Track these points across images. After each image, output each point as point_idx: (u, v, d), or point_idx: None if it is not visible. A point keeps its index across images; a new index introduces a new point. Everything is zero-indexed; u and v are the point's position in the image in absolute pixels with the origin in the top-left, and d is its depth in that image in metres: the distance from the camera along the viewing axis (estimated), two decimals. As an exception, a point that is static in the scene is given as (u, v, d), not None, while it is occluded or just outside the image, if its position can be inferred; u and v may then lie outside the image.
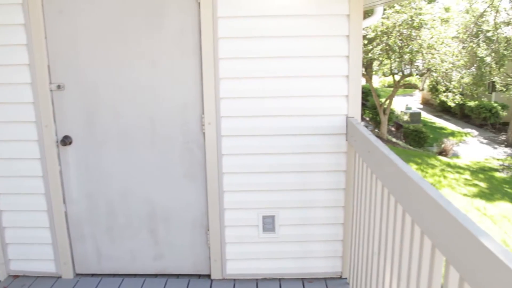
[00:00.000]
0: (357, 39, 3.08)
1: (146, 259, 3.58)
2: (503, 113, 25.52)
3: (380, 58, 18.70)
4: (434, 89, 24.37)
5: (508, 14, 22.41)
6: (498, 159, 20.46)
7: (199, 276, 3.61)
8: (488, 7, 22.21)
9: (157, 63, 3.17)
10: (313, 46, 3.11)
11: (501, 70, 22.81)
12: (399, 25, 17.16)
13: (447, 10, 23.16)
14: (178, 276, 3.61)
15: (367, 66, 20.34)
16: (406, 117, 24.93)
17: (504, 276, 1.15)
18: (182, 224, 3.49)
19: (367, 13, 4.32)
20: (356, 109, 3.20)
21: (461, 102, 22.53)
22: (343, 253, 3.48)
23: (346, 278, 3.52)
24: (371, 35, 17.17)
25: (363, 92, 26.38)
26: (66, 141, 3.30)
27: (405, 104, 28.18)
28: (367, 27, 16.65)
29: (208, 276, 3.58)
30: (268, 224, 3.43)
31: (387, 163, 2.17)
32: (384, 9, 16.96)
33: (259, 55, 3.12)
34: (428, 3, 20.38)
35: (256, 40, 3.11)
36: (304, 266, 3.53)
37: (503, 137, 24.21)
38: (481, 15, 22.49)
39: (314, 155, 3.30)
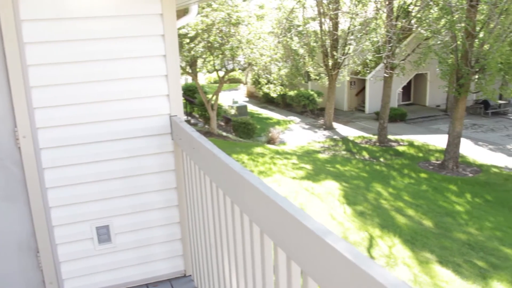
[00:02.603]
0: (172, 38, 3.09)
1: (-34, 296, 3.19)
2: (319, 100, 27.99)
3: (204, 56, 19.07)
4: (257, 82, 25.74)
5: (313, 10, 24.55)
6: (319, 142, 22.38)
7: (33, 303, 3.32)
8: (297, 3, 24.06)
9: (-47, 75, 2.81)
10: (129, 47, 3.05)
11: (313, 60, 24.95)
12: (218, 23, 17.67)
13: (261, 7, 24.54)
14: (8, 307, 3.28)
15: (192, 64, 20.59)
16: (233, 111, 25.86)
17: (323, 251, 1.25)
18: (6, 251, 3.16)
19: (185, 12, 4.35)
20: (178, 108, 3.22)
21: (282, 92, 24.10)
22: (184, 251, 3.50)
23: (190, 275, 3.54)
24: (192, 33, 17.40)
25: (190, 90, 26.69)
26: None
27: (231, 99, 29.22)
28: (186, 25, 16.82)
29: (44, 301, 3.32)
30: (103, 234, 3.29)
31: (211, 158, 2.23)
32: (203, 8, 17.30)
33: (74, 59, 2.95)
34: (244, 0, 21.35)
35: (68, 43, 2.93)
36: (147, 271, 3.47)
37: (321, 121, 26.54)
38: (291, 11, 24.28)
39: (142, 157, 3.24)
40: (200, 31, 17.58)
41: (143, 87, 3.14)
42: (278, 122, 26.42)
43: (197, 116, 25.52)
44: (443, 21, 17.72)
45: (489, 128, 25.31)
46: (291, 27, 24.04)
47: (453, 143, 17.99)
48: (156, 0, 3.01)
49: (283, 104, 30.34)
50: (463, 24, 16.44)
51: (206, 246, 2.71)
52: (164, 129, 3.23)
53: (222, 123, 24.94)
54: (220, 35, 17.94)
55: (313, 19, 24.72)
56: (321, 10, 23.50)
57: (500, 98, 27.18)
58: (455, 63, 17.25)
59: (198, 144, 2.46)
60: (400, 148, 21.27)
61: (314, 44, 24.58)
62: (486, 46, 16.41)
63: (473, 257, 9.66)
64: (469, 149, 20.90)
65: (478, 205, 14.12)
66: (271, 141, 21.60)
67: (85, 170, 3.14)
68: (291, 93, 28.37)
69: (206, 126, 22.89)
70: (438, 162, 19.00)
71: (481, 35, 16.63)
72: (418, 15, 20.40)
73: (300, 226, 1.37)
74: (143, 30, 3.05)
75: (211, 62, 19.45)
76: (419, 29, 20.53)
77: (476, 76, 17.30)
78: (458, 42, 16.91)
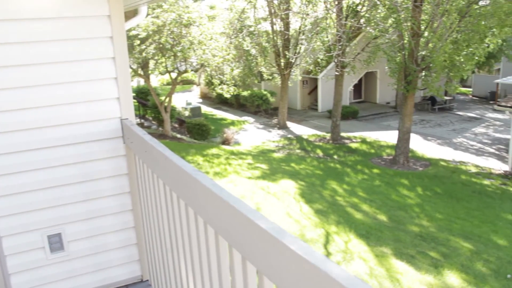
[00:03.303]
0: (121, 39, 3.03)
1: None
2: (273, 99, 28.21)
3: (155, 57, 18.85)
4: (210, 83, 25.69)
5: (265, 11, 24.70)
6: (273, 141, 22.53)
7: (-19, 317, 3.20)
8: (248, 4, 24.13)
9: None
10: (77, 49, 2.97)
11: (266, 61, 25.09)
12: (169, 24, 17.51)
13: (212, 8, 24.45)
14: (-47, 324, 3.14)
15: (144, 66, 20.31)
16: (187, 113, 25.69)
17: (276, 250, 1.26)
18: (-50, 264, 3.03)
19: (135, 13, 4.29)
20: (129, 111, 3.16)
21: (236, 93, 24.13)
22: (140, 256, 3.45)
23: (147, 280, 3.50)
24: (142, 34, 17.17)
25: (142, 93, 26.34)
26: None
27: (185, 100, 29.05)
28: (137, 26, 16.59)
29: (-7, 314, 3.20)
30: (56, 243, 3.20)
31: (163, 161, 2.21)
32: (153, 9, 17.10)
33: (16, 62, 2.84)
34: (195, 1, 21.23)
35: (10, 46, 2.82)
36: (103, 278, 3.40)
37: (275, 121, 26.74)
38: (242, 12, 24.33)
39: (93, 162, 3.17)
40: (151, 32, 17.37)
41: (92, 90, 3.07)
42: (233, 123, 26.44)
43: (150, 118, 25.21)
44: (390, 21, 18.19)
45: (436, 123, 26.24)
46: (243, 28, 24.09)
47: (403, 139, 18.51)
48: (103, 1, 2.95)
49: (237, 104, 30.38)
50: (409, 23, 16.94)
51: (162, 250, 2.69)
52: (116, 133, 3.17)
53: (176, 125, 24.72)
54: (171, 36, 17.78)
55: (264, 19, 24.87)
56: (272, 11, 23.67)
57: (446, 94, 28.23)
58: (402, 61, 17.75)
59: (150, 147, 2.43)
60: (353, 145, 21.70)
61: (266, 44, 24.74)
62: (431, 45, 16.98)
63: (425, 248, 9.98)
64: (418, 144, 21.57)
65: (428, 198, 14.59)
66: (225, 141, 21.59)
67: (33, 177, 3.04)
68: (245, 93, 28.45)
69: (160, 129, 22.63)
70: (389, 157, 19.50)
71: (426, 34, 17.19)
72: (367, 15, 20.87)
73: (253, 226, 1.38)
74: (90, 32, 2.98)
75: (163, 64, 19.26)
76: (367, 28, 20.99)
77: (423, 74, 17.86)
78: (405, 41, 17.42)
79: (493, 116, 27.99)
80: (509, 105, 17.79)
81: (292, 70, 24.78)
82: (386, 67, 19.75)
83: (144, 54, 18.02)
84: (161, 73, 21.46)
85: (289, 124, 25.90)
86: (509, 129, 19.51)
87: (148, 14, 16.45)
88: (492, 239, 11.19)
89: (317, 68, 27.14)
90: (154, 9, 17.40)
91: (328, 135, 22.96)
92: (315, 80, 28.93)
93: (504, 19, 16.04)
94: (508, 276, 8.91)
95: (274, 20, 23.76)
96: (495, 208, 13.88)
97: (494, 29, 16.58)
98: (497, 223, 12.51)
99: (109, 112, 3.14)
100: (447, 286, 8.36)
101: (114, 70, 3.07)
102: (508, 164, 18.34)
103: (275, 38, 24.15)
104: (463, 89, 36.69)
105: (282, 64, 24.41)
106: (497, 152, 20.77)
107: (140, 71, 20.41)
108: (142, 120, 24.88)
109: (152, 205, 2.70)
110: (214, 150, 18.94)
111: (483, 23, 16.18)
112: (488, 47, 17.38)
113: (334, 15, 21.44)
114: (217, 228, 1.70)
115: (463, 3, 16.36)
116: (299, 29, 23.76)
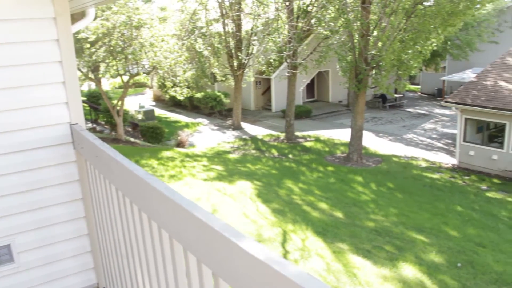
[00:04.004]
0: (68, 43, 2.95)
1: None
2: (227, 101, 28.20)
3: (106, 60, 18.49)
4: (163, 86, 25.40)
5: (216, 12, 24.65)
6: (228, 142, 22.52)
7: None
8: (199, 5, 24.01)
9: None
10: (21, 53, 2.86)
11: (218, 62, 25.06)
12: (119, 26, 17.22)
13: (163, 9, 24.19)
14: None
15: (94, 69, 19.89)
16: (140, 116, 25.36)
17: (230, 251, 1.27)
18: None
19: (82, 15, 4.19)
20: (78, 115, 3.08)
21: (189, 94, 23.97)
22: (95, 263, 3.37)
23: (104, 287, 3.42)
24: (92, 37, 16.81)
25: (94, 97, 25.80)
26: None
27: (138, 103, 28.65)
28: (86, 29, 16.24)
29: None
30: (4, 254, 3.07)
31: (115, 165, 2.17)
32: (103, 11, 16.77)
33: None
34: (145, 3, 20.96)
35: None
36: (57, 288, 3.30)
37: (229, 122, 26.74)
38: (194, 13, 24.19)
39: (43, 169, 3.07)
40: (100, 35, 17.03)
41: (39, 95, 2.97)
42: (187, 125, 26.26)
43: (102, 123, 24.71)
44: (340, 21, 18.52)
45: (387, 120, 26.94)
46: (195, 29, 23.96)
47: (356, 136, 18.88)
48: (47, 3, 2.86)
49: (190, 106, 30.19)
50: (358, 23, 17.31)
51: (118, 256, 2.64)
52: (65, 139, 3.08)
53: (130, 129, 24.33)
54: (122, 38, 17.49)
55: (216, 20, 24.82)
56: (224, 12, 23.66)
57: (396, 92, 29.02)
58: (353, 61, 18.11)
59: (101, 152, 2.38)
60: (307, 144, 21.96)
61: (219, 45, 24.70)
62: (380, 44, 17.40)
63: (380, 243, 10.21)
64: (371, 141, 22.08)
65: (382, 193, 14.95)
66: (180, 144, 21.42)
67: (-22, 187, 2.92)
68: (198, 95, 28.32)
69: (113, 133, 22.21)
70: (343, 155, 19.85)
71: (375, 33, 17.62)
72: (317, 15, 21.16)
73: (206, 228, 1.38)
74: (35, 35, 2.88)
75: (114, 67, 18.91)
76: (318, 28, 21.28)
77: (373, 72, 18.29)
78: (355, 41, 17.78)
79: (440, 112, 29.01)
80: (455, 101, 18.46)
81: (245, 71, 24.84)
82: (338, 67, 20.09)
83: (94, 57, 17.64)
84: (112, 77, 21.07)
85: (244, 124, 25.96)
86: (455, 124, 20.24)
87: (97, 16, 16.12)
88: (444, 230, 11.58)
89: (270, 68, 27.32)
90: (103, 11, 17.07)
91: (282, 135, 23.14)
92: (268, 80, 29.12)
93: (447, 19, 16.68)
94: (458, 265, 9.25)
95: (226, 21, 23.76)
96: (445, 201, 14.38)
97: (439, 29, 17.20)
98: (447, 215, 12.96)
99: (57, 117, 3.04)
100: (402, 278, 8.58)
101: (61, 74, 2.98)
102: (456, 158, 19.04)
103: (227, 39, 24.15)
104: (412, 87, 37.90)
105: (235, 65, 24.44)
106: (445, 147, 21.54)
107: (90, 75, 19.97)
108: (94, 125, 24.35)
109: (106, 211, 2.65)
110: (168, 153, 18.75)
111: (428, 22, 16.76)
112: (431, 44, 17.98)
113: (284, 16, 21.62)
114: (171, 232, 1.69)
115: (409, 3, 16.88)
116: (251, 30, 23.85)
